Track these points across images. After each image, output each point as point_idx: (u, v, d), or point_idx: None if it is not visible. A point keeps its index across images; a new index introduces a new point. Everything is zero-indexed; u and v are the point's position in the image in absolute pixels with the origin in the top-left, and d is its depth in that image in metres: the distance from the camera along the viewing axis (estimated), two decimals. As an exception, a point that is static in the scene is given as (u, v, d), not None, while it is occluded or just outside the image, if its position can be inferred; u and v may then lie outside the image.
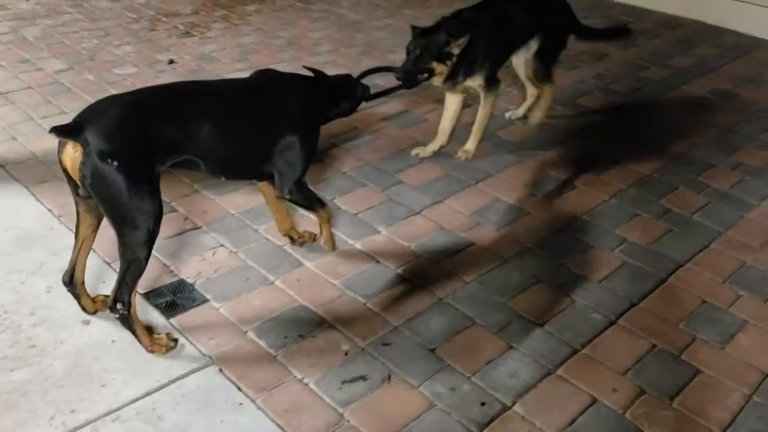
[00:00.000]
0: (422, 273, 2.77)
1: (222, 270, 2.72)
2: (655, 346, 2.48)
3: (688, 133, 4.06)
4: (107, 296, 2.33)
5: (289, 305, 2.56)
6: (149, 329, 2.34)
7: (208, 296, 2.59)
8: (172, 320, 2.46)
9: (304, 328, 2.45)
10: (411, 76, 3.22)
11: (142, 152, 2.08)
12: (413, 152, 3.64)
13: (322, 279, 2.70)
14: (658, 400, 2.26)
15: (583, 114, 4.21)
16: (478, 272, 2.79)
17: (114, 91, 4.11)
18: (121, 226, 2.08)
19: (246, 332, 2.43)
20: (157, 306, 2.51)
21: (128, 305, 2.18)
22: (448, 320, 2.53)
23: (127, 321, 2.23)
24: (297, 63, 4.66)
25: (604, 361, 2.40)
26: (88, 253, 2.35)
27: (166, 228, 2.90)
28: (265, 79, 2.57)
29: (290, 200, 2.58)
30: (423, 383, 2.26)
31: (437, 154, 3.63)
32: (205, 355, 2.32)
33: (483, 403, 2.20)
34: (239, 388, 2.20)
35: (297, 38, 5.12)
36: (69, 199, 3.03)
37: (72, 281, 2.35)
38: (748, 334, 2.57)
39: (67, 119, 3.71)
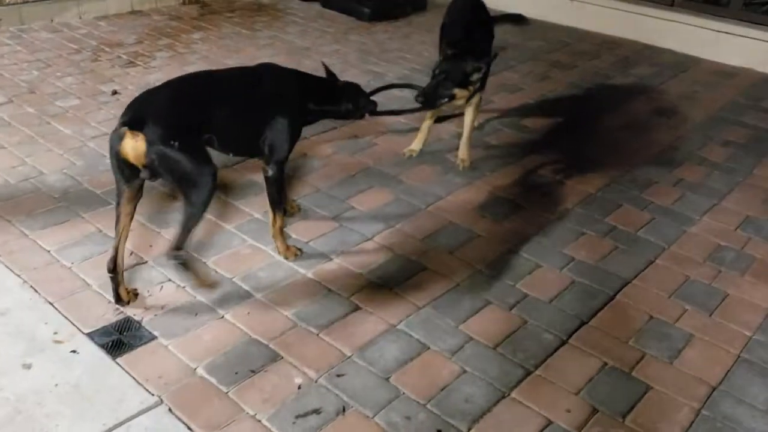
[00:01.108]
0: (375, 300, 2.76)
1: (170, 305, 2.66)
2: (606, 364, 2.51)
3: (630, 150, 4.17)
4: (136, 290, 2.70)
5: (240, 339, 2.51)
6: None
7: (155, 333, 2.52)
8: (119, 360, 2.39)
9: (255, 363, 2.41)
10: (431, 99, 3.42)
11: (191, 130, 2.48)
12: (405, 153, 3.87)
13: (273, 311, 2.67)
14: (610, 419, 2.28)
15: (528, 135, 4.28)
16: (430, 297, 2.79)
17: (56, 124, 4.02)
18: (188, 190, 2.43)
19: (196, 369, 2.38)
20: (102, 346, 2.43)
21: (185, 251, 2.48)
22: (401, 347, 2.53)
23: (187, 264, 2.51)
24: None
25: (557, 382, 2.42)
26: (126, 240, 2.61)
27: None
28: (267, 70, 2.97)
29: (268, 178, 2.85)
30: (378, 413, 2.24)
31: (387, 179, 3.63)
32: (153, 394, 2.25)
33: (439, 431, 2.19)
34: (190, 428, 2.14)
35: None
36: (8, 238, 2.98)
37: (115, 269, 2.58)
38: (695, 348, 2.63)
39: (6, 154, 3.68)
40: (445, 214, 3.38)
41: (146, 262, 2.89)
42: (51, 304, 2.62)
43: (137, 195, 2.52)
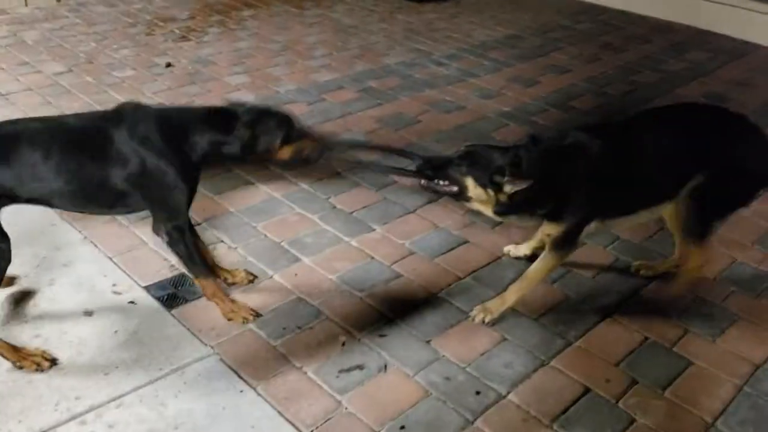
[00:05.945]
0: (416, 269, 2.81)
1: (221, 264, 2.74)
2: (647, 338, 2.52)
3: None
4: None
5: (288, 298, 2.60)
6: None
7: (208, 290, 2.61)
8: (174, 312, 2.49)
9: (302, 320, 2.49)
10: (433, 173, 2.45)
11: None
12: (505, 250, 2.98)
13: (318, 274, 2.75)
14: (650, 390, 2.30)
15: (575, 116, 4.26)
16: (472, 267, 2.84)
17: (113, 93, 4.15)
18: None
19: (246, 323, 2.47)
20: (158, 298, 2.55)
21: None
22: (442, 314, 2.58)
23: None
24: (292, 67, 4.73)
25: (597, 353, 2.44)
26: None
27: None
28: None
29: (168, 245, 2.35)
30: (418, 373, 2.30)
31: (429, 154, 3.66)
32: (206, 344, 2.36)
33: (478, 392, 2.25)
34: (240, 376, 2.24)
35: (292, 43, 5.18)
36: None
37: None
38: (739, 328, 2.61)
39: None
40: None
41: (200, 224, 2.99)
42: (110, 258, 2.74)
43: None
